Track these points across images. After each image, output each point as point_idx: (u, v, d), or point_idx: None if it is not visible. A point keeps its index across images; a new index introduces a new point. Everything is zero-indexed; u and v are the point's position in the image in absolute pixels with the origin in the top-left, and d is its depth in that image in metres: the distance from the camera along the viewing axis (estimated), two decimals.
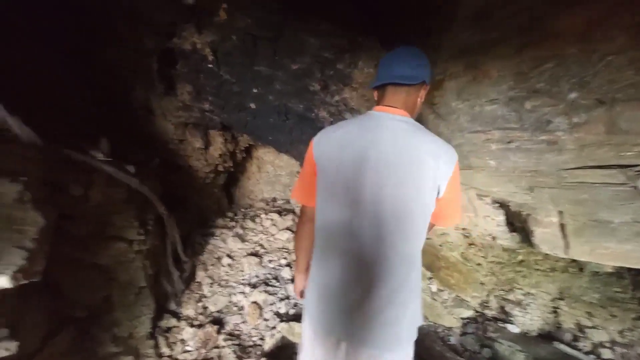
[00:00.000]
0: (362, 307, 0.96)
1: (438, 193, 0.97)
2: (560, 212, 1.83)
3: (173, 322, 2.25)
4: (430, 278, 2.37)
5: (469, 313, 2.36)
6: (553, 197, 1.82)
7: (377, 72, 1.11)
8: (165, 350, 2.08)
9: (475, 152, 2.00)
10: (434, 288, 2.38)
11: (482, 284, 2.40)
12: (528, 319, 2.25)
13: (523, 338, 2.20)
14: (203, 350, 2.09)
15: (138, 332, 1.98)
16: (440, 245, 2.40)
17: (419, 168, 0.93)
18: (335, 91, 2.48)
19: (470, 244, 2.49)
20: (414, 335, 1.04)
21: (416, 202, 0.95)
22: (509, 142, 1.82)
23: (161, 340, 2.11)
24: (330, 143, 1.03)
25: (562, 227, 1.85)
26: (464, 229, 2.39)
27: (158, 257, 2.21)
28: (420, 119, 2.39)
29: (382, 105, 1.05)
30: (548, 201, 1.85)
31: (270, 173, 3.86)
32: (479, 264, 2.46)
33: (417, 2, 2.08)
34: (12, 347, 1.16)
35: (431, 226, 1.07)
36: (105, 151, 1.73)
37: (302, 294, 1.33)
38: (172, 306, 2.36)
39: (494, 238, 2.24)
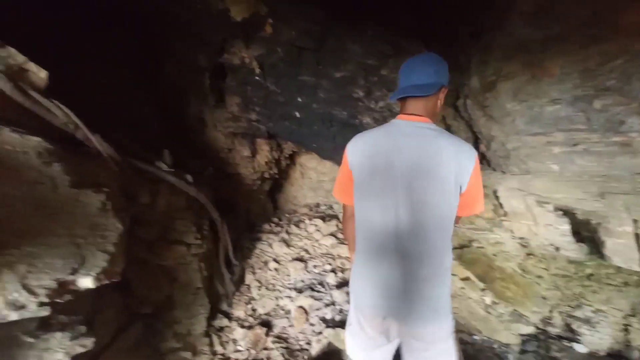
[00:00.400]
0: (404, 290, 1.11)
1: (461, 189, 1.08)
2: (636, 221, 1.65)
3: (225, 322, 2.37)
4: (484, 289, 2.23)
5: (528, 329, 2.19)
6: (627, 204, 1.64)
7: (398, 82, 1.21)
8: (218, 348, 2.20)
9: (534, 156, 1.87)
10: (488, 300, 2.24)
11: (543, 298, 2.22)
12: (597, 337, 2.03)
13: (591, 359, 1.99)
14: (253, 351, 2.18)
15: (195, 329, 2.12)
16: (494, 255, 2.27)
17: (442, 169, 1.06)
18: (379, 97, 2.47)
19: (528, 254, 2.32)
20: (449, 310, 1.18)
21: (442, 200, 1.07)
22: (575, 145, 1.68)
23: (215, 339, 2.23)
24: (361, 150, 1.16)
25: (637, 237, 1.66)
26: (521, 238, 2.24)
27: (212, 260, 2.35)
28: (469, 123, 2.30)
29: (404, 114, 1.17)
30: (622, 209, 1.67)
31: (313, 179, 3.93)
32: (539, 277, 2.28)
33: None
34: (88, 343, 1.29)
35: (457, 218, 1.18)
36: (168, 162, 1.90)
37: None
38: (224, 307, 2.49)
39: (557, 249, 2.06)
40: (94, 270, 1.12)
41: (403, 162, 1.07)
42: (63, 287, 1.05)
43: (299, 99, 2.70)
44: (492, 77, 1.84)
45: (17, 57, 1.25)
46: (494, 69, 1.82)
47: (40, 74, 1.30)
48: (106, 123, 1.82)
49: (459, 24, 2.07)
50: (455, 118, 2.53)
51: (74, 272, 1.08)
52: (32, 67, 1.29)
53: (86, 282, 1.10)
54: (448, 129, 2.63)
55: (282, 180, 3.97)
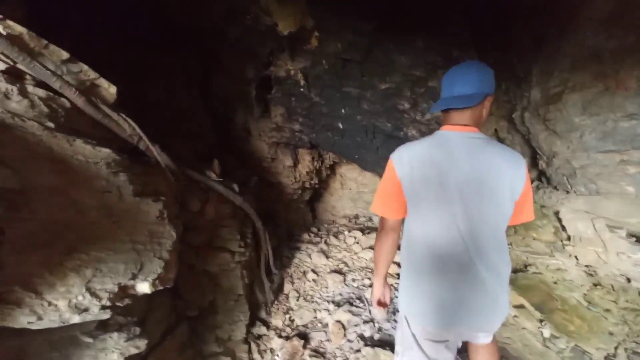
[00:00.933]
0: (473, 298, 1.12)
1: (514, 197, 1.11)
2: None
3: (263, 330, 2.39)
4: (542, 320, 2.03)
5: None
6: None
7: (441, 92, 1.20)
8: (256, 356, 2.22)
9: (605, 176, 1.68)
10: (546, 333, 2.03)
11: (610, 334, 1.97)
12: None
13: None
14: None
15: (235, 335, 2.17)
16: (555, 283, 2.06)
17: (497, 178, 1.08)
18: (426, 109, 2.38)
19: (595, 285, 2.07)
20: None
21: (503, 210, 1.11)
22: None
23: (253, 347, 2.26)
24: (410, 161, 1.13)
25: None
26: (587, 265, 2.01)
27: (253, 268, 2.40)
28: (527, 137, 2.13)
29: (450, 125, 1.16)
30: None
31: (353, 190, 3.89)
32: (607, 310, 2.03)
33: (528, 6, 1.87)
34: (141, 345, 1.36)
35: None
36: (217, 172, 1.98)
37: (379, 303, 1.45)
38: (263, 315, 2.51)
39: (628, 280, 1.83)
40: (151, 276, 1.18)
41: (457, 173, 1.08)
42: (123, 291, 1.12)
43: (343, 110, 2.69)
44: (557, 88, 1.69)
45: (90, 73, 1.37)
46: (560, 79, 1.68)
47: (110, 90, 1.41)
48: (165, 134, 1.95)
49: (518, 32, 1.94)
50: (510, 131, 2.37)
51: (134, 277, 1.14)
52: (103, 82, 1.41)
53: (144, 288, 1.16)
54: (501, 142, 2.47)
55: (322, 190, 3.98)
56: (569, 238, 2.02)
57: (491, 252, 1.12)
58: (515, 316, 2.15)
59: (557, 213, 1.99)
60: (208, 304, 2.06)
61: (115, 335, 1.27)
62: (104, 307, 1.06)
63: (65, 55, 1.28)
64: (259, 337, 2.37)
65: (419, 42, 2.21)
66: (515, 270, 2.24)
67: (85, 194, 1.12)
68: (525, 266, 2.19)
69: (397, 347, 1.43)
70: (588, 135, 1.65)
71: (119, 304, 1.11)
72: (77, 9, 2.02)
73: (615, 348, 1.95)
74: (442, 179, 1.08)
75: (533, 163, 2.22)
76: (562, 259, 2.06)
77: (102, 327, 1.25)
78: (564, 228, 2.01)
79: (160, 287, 1.23)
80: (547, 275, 2.10)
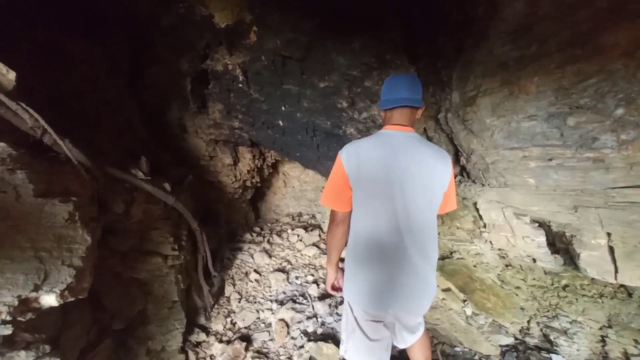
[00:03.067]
0: (410, 282, 1.26)
1: (443, 188, 1.30)
2: (609, 234, 1.71)
3: (203, 336, 2.27)
4: (465, 300, 2.25)
5: (508, 340, 2.22)
6: (601, 217, 1.71)
7: (384, 95, 1.36)
8: None
9: (512, 170, 1.92)
10: (468, 311, 2.26)
11: (522, 309, 2.26)
12: (575, 349, 2.08)
13: None
14: None
15: (170, 345, 2.02)
16: (474, 266, 2.30)
17: (430, 173, 1.25)
18: (363, 108, 2.48)
19: (507, 265, 2.37)
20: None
21: (431, 201, 1.28)
22: (550, 160, 1.74)
23: (191, 355, 2.13)
24: (358, 157, 1.24)
25: (611, 249, 1.72)
26: (500, 249, 2.29)
27: (190, 271, 2.26)
28: (450, 135, 2.35)
29: (393, 125, 1.32)
30: (595, 222, 1.74)
31: (296, 188, 3.90)
32: (518, 287, 2.33)
33: (451, 19, 2.06)
34: None
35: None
36: (145, 170, 1.83)
37: (333, 287, 1.58)
38: (202, 320, 2.39)
39: (534, 260, 2.11)
40: (58, 286, 1.04)
41: (399, 168, 1.21)
42: (25, 304, 0.97)
43: (283, 108, 2.68)
44: (472, 92, 1.89)
45: None
46: (474, 84, 1.87)
47: (8, 75, 1.22)
48: (88, 127, 1.74)
49: (443, 41, 2.13)
50: (436, 131, 2.58)
51: (37, 288, 1.00)
52: (0, 67, 1.21)
53: (49, 300, 1.02)
54: (430, 141, 2.68)
55: (265, 189, 3.91)
56: (485, 226, 2.27)
57: (424, 240, 1.27)
58: (443, 299, 2.35)
59: (475, 204, 2.23)
60: (137, 315, 1.89)
61: (22, 353, 1.10)
62: (3, 322, 0.91)
63: None
64: (198, 344, 2.25)
65: (356, 43, 2.29)
66: (442, 257, 2.45)
67: None
68: (451, 253, 2.42)
69: (342, 335, 1.52)
70: (497, 134, 1.87)
71: (20, 318, 0.96)
72: None
73: (528, 322, 2.24)
74: (386, 174, 1.21)
75: (456, 159, 2.45)
76: (479, 244, 2.31)
77: (8, 344, 1.07)
78: (481, 217, 2.25)
79: (71, 299, 1.10)
80: (469, 260, 2.34)
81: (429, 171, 1.25)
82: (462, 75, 1.97)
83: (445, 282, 2.39)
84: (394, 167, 1.21)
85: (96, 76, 2.35)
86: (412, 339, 1.52)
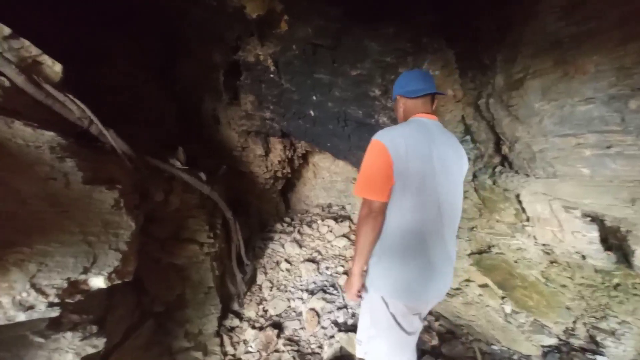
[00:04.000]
0: (445, 270, 1.29)
1: (465, 177, 1.40)
2: None
3: (236, 322, 2.34)
4: (504, 297, 2.14)
5: (551, 341, 2.08)
6: None
7: (407, 85, 1.42)
8: (229, 349, 2.17)
9: (562, 159, 1.77)
10: (507, 309, 2.14)
11: (568, 308, 2.11)
12: (621, 350, 1.92)
13: None
14: (264, 353, 2.14)
15: (206, 329, 2.10)
16: (515, 262, 2.16)
17: (462, 160, 1.35)
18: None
19: (552, 262, 2.20)
20: None
21: (460, 187, 1.35)
22: (608, 147, 1.58)
23: (226, 339, 2.21)
24: (407, 146, 1.20)
25: None
26: (545, 244, 2.13)
27: (224, 259, 2.33)
28: (491, 123, 2.20)
29: (422, 113, 1.37)
30: None
31: (326, 179, 3.87)
32: (564, 286, 2.17)
33: None
34: (99, 344, 1.27)
35: None
36: (182, 160, 1.88)
37: (358, 294, 1.39)
38: (235, 307, 2.46)
39: (583, 257, 1.95)
40: (106, 269, 1.09)
41: (439, 157, 1.23)
42: (74, 286, 1.03)
43: (314, 97, 2.64)
44: (519, 74, 1.75)
45: (31, 49, 1.23)
46: (522, 66, 1.73)
47: (54, 68, 1.28)
48: (124, 120, 1.81)
49: (485, 20, 1.98)
50: (476, 118, 2.43)
51: (86, 271, 1.05)
52: (46, 60, 1.27)
53: (98, 282, 1.08)
54: (467, 129, 2.54)
55: (295, 180, 3.93)
56: (528, 219, 2.12)
57: (456, 228, 1.32)
58: (480, 295, 2.24)
59: (518, 196, 2.08)
60: (176, 298, 1.98)
61: (69, 334, 1.18)
62: (52, 304, 0.97)
63: (7, 31, 1.14)
64: (232, 329, 2.32)
65: (389, 28, 2.19)
66: (480, 252, 2.33)
67: (26, 181, 1.01)
68: (489, 247, 2.29)
69: (362, 335, 1.43)
70: (547, 119, 1.72)
71: (69, 300, 1.02)
72: None
73: (574, 322, 2.09)
74: (430, 162, 1.21)
75: (497, 148, 2.30)
76: (522, 239, 2.16)
77: (54, 326, 1.15)
78: (524, 210, 2.11)
79: (118, 282, 1.15)
80: (509, 255, 2.21)
81: (459, 159, 1.33)
82: (508, 56, 1.82)
83: (482, 277, 2.28)
84: (435, 155, 1.22)
85: (132, 71, 2.44)
86: (420, 327, 1.49)
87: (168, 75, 2.83)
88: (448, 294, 2.37)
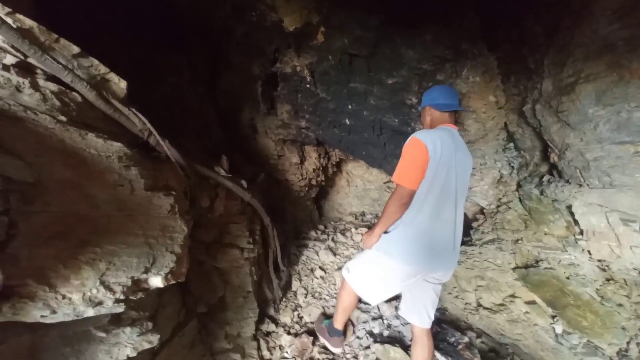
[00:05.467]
0: (450, 247, 1.63)
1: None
2: None
3: (272, 327, 2.38)
4: (554, 317, 2.00)
5: None
6: None
7: (442, 99, 1.73)
8: (266, 353, 2.21)
9: (620, 168, 1.66)
10: (558, 329, 2.00)
11: (623, 328, 1.94)
12: None
13: None
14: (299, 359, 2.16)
15: (245, 332, 2.16)
16: (567, 278, 2.03)
17: (470, 164, 1.72)
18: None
19: (607, 279, 2.04)
20: None
21: (467, 184, 1.72)
22: None
23: (262, 344, 2.25)
24: (442, 146, 1.52)
25: None
26: (600, 260, 1.98)
27: (261, 264, 2.39)
28: (538, 129, 2.10)
29: (448, 123, 1.71)
30: None
31: (359, 187, 3.87)
32: (620, 305, 2.00)
33: None
34: (154, 340, 1.36)
35: None
36: (226, 168, 1.97)
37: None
38: (271, 312, 2.51)
39: None
40: (163, 270, 1.18)
41: (458, 159, 1.59)
42: (136, 285, 1.11)
43: (349, 106, 2.67)
44: (570, 78, 1.67)
45: (100, 68, 1.36)
46: (573, 69, 1.65)
47: (120, 84, 1.41)
48: (175, 131, 1.94)
49: (530, 23, 1.91)
50: (520, 125, 2.34)
51: (146, 271, 1.14)
52: (113, 77, 1.40)
53: (156, 282, 1.15)
54: (511, 136, 2.44)
55: (328, 188, 3.96)
56: (581, 232, 1.99)
57: (462, 216, 1.67)
58: (527, 312, 2.12)
59: (569, 207, 1.97)
60: (218, 301, 2.05)
61: (128, 329, 1.27)
62: (117, 301, 1.06)
63: (76, 49, 1.27)
64: (268, 334, 2.36)
65: (427, 35, 2.18)
66: (526, 266, 2.21)
67: (98, 187, 1.12)
68: (537, 261, 2.17)
69: (357, 259, 1.87)
70: (602, 126, 1.62)
71: (132, 297, 1.10)
72: (83, 6, 2.02)
73: (627, 343, 1.92)
74: (452, 162, 1.55)
75: (544, 156, 2.19)
76: (574, 253, 2.03)
77: (115, 321, 1.24)
78: (576, 222, 1.98)
79: (173, 282, 1.23)
80: (560, 271, 2.07)
81: (470, 163, 1.71)
82: (557, 60, 1.75)
83: (528, 293, 2.16)
84: (457, 159, 1.57)
85: (181, 85, 2.62)
86: (431, 315, 1.80)
87: (212, 87, 2.99)
88: (490, 309, 2.27)
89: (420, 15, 2.14)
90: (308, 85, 2.73)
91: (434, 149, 1.49)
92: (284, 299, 2.64)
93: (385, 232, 1.68)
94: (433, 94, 1.77)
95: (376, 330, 2.35)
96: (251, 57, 2.85)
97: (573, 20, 1.65)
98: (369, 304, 2.58)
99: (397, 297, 2.58)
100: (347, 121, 2.75)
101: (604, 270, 2.00)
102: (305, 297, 2.68)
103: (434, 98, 1.75)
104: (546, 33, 1.83)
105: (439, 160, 1.49)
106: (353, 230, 3.50)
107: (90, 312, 1.06)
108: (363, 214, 3.94)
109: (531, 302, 2.13)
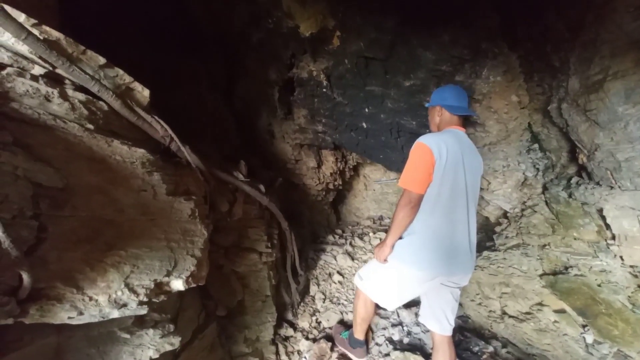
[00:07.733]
0: (466, 250, 1.60)
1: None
2: None
3: (290, 332, 2.38)
4: (585, 326, 1.90)
5: None
6: None
7: (453, 101, 1.71)
8: (284, 358, 2.21)
9: None
10: (589, 339, 1.89)
11: None
12: None
13: None
14: None
15: (263, 336, 2.16)
16: (599, 286, 1.92)
17: (480, 166, 1.72)
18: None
19: (639, 286, 1.92)
20: None
21: (479, 185, 1.71)
22: None
23: (281, 348, 2.25)
24: (447, 151, 1.51)
25: None
26: (632, 266, 1.87)
27: (279, 269, 2.39)
28: (564, 129, 2.01)
29: (456, 125, 1.71)
30: None
31: (377, 191, 3.83)
32: None
33: None
34: (176, 342, 1.38)
35: None
36: (244, 172, 2.00)
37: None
38: (289, 316, 2.50)
39: None
40: (184, 273, 1.20)
41: (467, 162, 1.58)
42: (159, 287, 1.14)
43: (366, 110, 2.66)
44: (598, 76, 1.60)
45: (125, 77, 1.41)
46: (601, 67, 1.58)
47: (144, 93, 1.46)
48: (194, 136, 1.99)
49: (552, 20, 1.85)
50: (545, 125, 2.25)
51: (168, 274, 1.16)
52: (137, 86, 1.45)
53: (178, 285, 1.18)
54: (535, 137, 2.35)
55: (346, 192, 3.94)
56: (613, 237, 1.89)
57: (475, 218, 1.66)
58: (556, 321, 2.03)
59: (600, 210, 1.87)
60: (237, 305, 2.07)
61: (150, 331, 1.30)
62: (141, 303, 1.08)
63: (102, 60, 1.33)
64: (286, 338, 2.35)
65: (445, 35, 2.14)
66: (554, 273, 2.11)
67: (123, 192, 1.15)
68: (566, 268, 2.06)
69: (369, 267, 1.85)
70: (633, 125, 1.54)
71: (155, 300, 1.13)
72: (107, 19, 2.12)
73: None
74: (459, 162, 1.55)
75: (572, 157, 2.09)
76: (606, 259, 1.92)
77: (139, 323, 1.27)
78: (608, 226, 1.88)
79: (193, 285, 1.25)
80: (591, 278, 1.97)
81: (479, 165, 1.70)
82: (583, 57, 1.68)
83: (557, 301, 2.06)
84: (465, 161, 1.56)
85: (199, 92, 2.68)
86: (451, 321, 1.74)
87: (229, 93, 3.05)
88: (516, 317, 2.18)
89: (437, 15, 2.10)
90: (324, 90, 2.74)
91: (440, 152, 1.49)
92: (302, 304, 2.63)
93: (399, 238, 1.66)
94: (444, 94, 1.74)
95: (396, 337, 2.30)
96: (268, 63, 2.89)
97: (596, 15, 1.58)
98: (387, 310, 2.54)
99: (417, 303, 2.52)
100: (364, 124, 2.73)
101: (635, 276, 1.89)
102: (324, 302, 2.66)
103: (445, 98, 1.73)
104: (570, 29, 1.76)
105: (446, 163, 1.49)
106: (371, 234, 3.46)
107: (116, 314, 1.09)
108: (381, 218, 3.89)
109: (560, 311, 2.03)
